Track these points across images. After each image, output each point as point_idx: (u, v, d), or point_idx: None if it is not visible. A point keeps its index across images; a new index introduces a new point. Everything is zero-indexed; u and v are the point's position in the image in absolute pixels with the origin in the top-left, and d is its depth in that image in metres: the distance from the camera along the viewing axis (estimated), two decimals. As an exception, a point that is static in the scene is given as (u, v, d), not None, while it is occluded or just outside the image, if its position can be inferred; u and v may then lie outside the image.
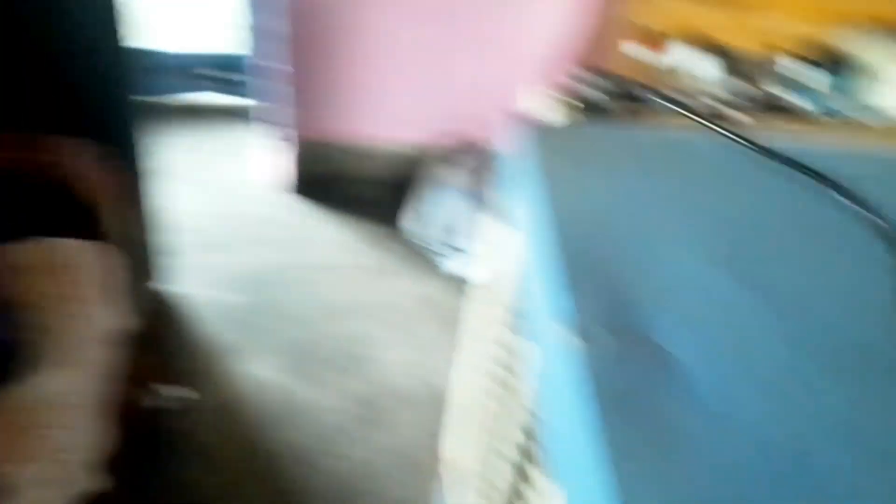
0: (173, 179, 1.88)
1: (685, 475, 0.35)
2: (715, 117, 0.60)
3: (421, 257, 2.33)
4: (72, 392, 1.18)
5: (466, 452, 0.78)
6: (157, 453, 1.69)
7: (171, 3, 2.76)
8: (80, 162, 1.37)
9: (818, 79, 1.84)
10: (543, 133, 0.54)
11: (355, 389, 1.91)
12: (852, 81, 1.90)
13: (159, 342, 1.92)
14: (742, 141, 0.56)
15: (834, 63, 1.92)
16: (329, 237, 2.40)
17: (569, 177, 0.51)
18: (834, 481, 0.36)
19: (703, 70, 1.81)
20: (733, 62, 1.84)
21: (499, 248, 0.62)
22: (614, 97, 0.63)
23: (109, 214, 1.42)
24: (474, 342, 0.69)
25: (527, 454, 0.50)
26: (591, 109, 0.61)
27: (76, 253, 1.34)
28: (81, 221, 1.40)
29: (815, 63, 1.97)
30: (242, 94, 2.79)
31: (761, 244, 0.49)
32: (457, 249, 2.22)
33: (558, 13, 2.30)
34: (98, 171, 1.40)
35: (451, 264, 2.25)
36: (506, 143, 0.57)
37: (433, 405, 1.88)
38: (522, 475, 0.52)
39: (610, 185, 0.52)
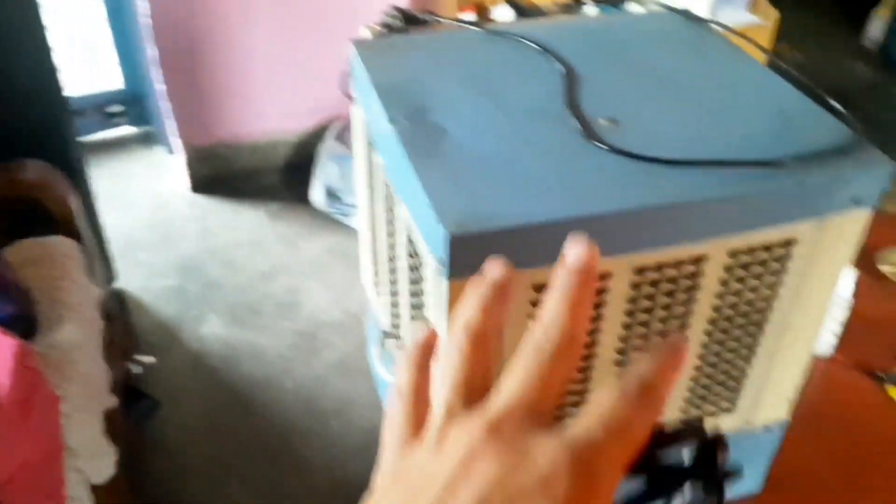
0: (102, 199, 2.26)
1: (464, 178, 0.80)
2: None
3: (329, 220, 2.75)
4: (80, 338, 1.57)
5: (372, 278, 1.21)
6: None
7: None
8: (46, 181, 1.75)
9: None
10: (363, 47, 0.99)
11: (291, 328, 2.33)
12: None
13: (120, 325, 2.28)
14: (485, 29, 1.02)
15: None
16: (242, 222, 2.79)
17: (383, 63, 0.96)
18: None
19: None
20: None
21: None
22: (407, 21, 1.08)
23: (71, 220, 1.80)
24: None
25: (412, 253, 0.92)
26: (391, 31, 1.06)
27: (57, 246, 1.71)
28: (47, 225, 1.77)
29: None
30: (136, 122, 3.14)
31: (495, 76, 0.95)
32: (352, 205, 2.65)
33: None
34: (59, 188, 1.78)
35: (353, 219, 2.68)
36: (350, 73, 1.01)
37: (357, 326, 2.32)
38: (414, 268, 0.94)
39: (408, 63, 0.97)
